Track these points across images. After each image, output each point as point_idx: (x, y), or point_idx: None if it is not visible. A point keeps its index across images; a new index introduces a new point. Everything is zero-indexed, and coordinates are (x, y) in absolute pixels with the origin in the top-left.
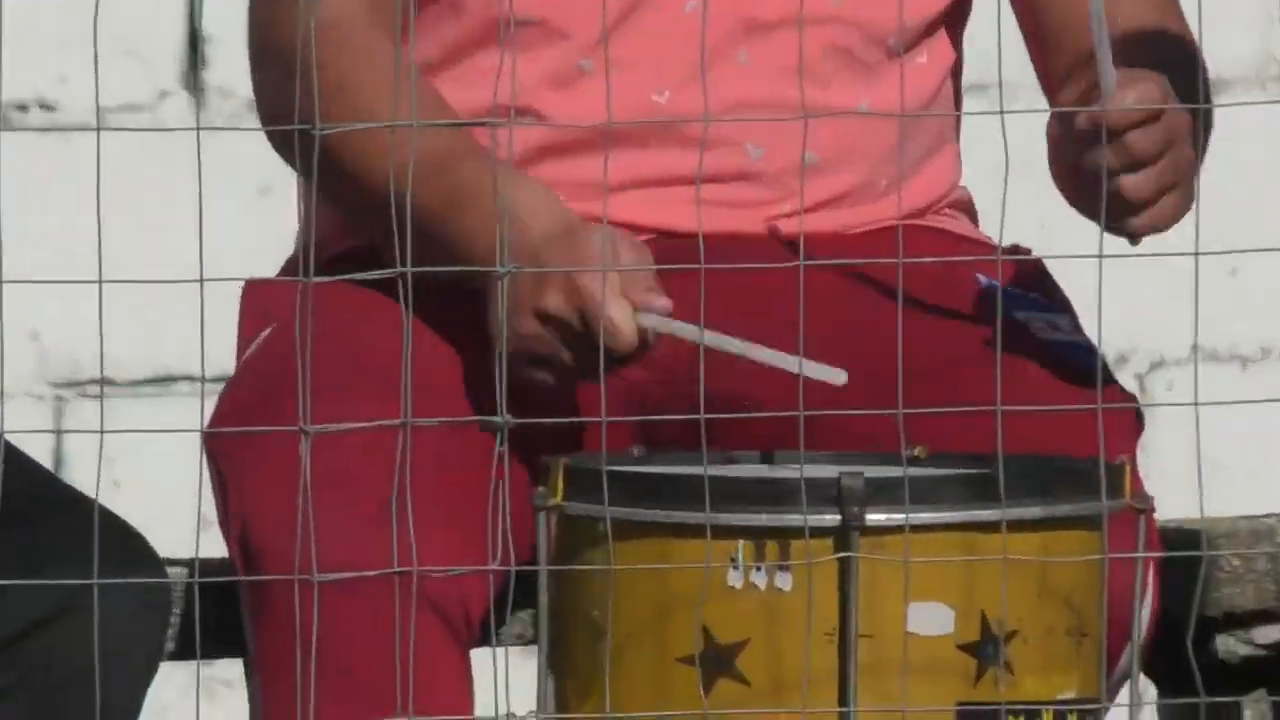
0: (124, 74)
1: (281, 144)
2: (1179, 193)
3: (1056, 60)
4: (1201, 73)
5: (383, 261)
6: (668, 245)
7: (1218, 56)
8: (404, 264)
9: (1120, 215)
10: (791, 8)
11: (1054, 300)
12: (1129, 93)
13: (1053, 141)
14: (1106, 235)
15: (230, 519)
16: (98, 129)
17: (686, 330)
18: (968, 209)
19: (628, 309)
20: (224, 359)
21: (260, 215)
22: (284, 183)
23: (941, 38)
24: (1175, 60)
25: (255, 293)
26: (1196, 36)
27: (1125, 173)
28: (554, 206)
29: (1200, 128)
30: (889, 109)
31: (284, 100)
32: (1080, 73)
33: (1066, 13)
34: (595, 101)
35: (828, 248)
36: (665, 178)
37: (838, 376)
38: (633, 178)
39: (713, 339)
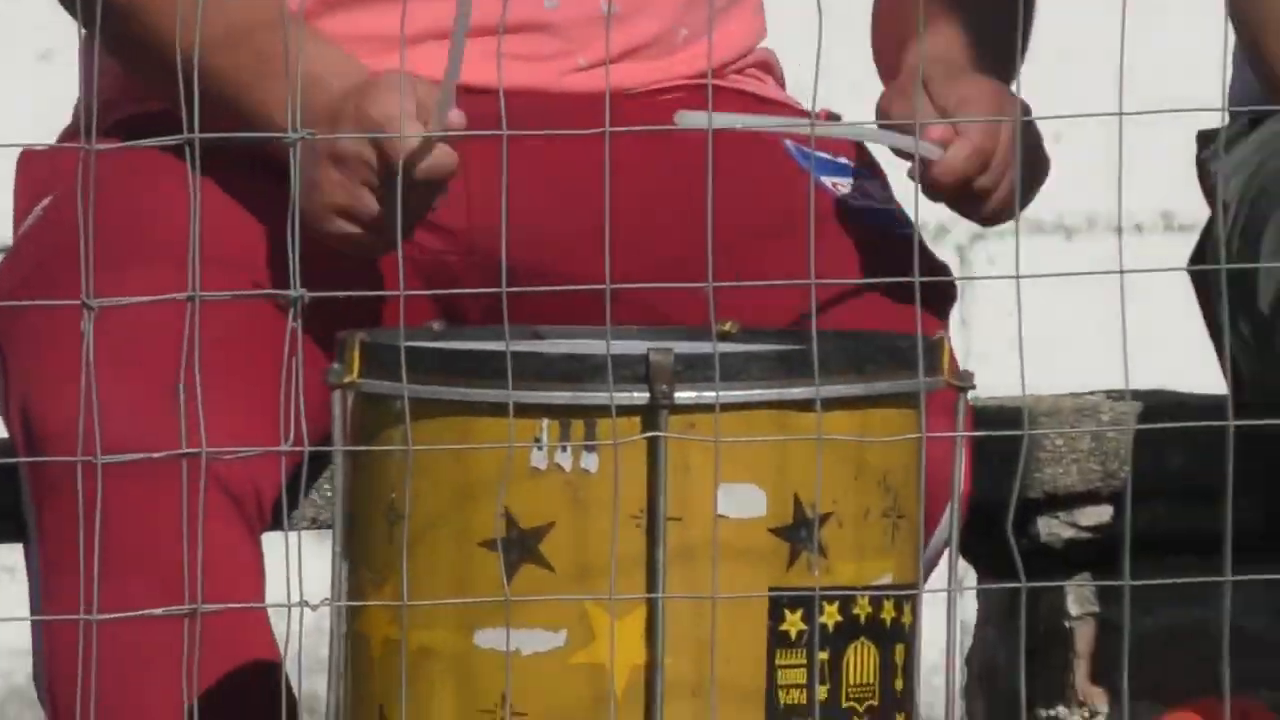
0: None
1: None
2: (1031, 182)
3: None
4: None
5: (178, 125)
6: (465, 101)
7: None
8: (191, 129)
9: (977, 216)
10: None
11: (865, 165)
12: (955, 153)
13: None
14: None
15: (10, 398)
16: None
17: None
18: (772, 70)
19: (419, 127)
20: (6, 229)
21: (40, 81)
22: (67, 47)
23: None
24: None
25: (31, 162)
26: None
27: (976, 205)
28: (350, 66)
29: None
30: None
31: None
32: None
33: None
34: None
35: (631, 107)
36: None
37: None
38: (426, 29)
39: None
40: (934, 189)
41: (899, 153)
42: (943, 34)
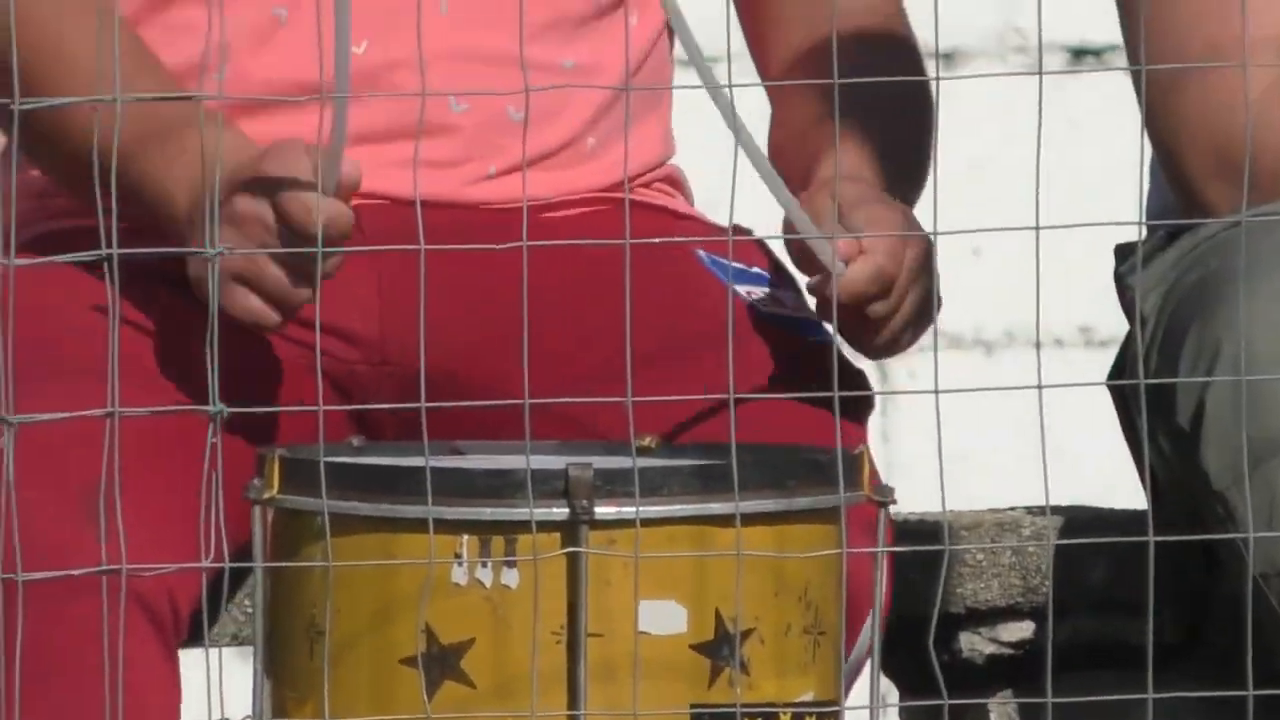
0: None
1: None
2: (922, 320)
3: (774, 36)
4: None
5: (90, 242)
6: (375, 212)
7: (958, 27)
8: (109, 245)
9: (864, 346)
10: None
11: (777, 275)
12: (857, 271)
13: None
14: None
15: None
16: None
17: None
18: (680, 186)
19: (315, 186)
20: None
21: None
22: None
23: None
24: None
25: None
26: (933, 6)
27: (866, 335)
28: (250, 146)
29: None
30: (595, 66)
31: None
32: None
33: None
34: (294, 56)
35: (544, 220)
36: (368, 135)
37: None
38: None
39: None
40: (828, 301)
41: (801, 263)
42: (850, 152)
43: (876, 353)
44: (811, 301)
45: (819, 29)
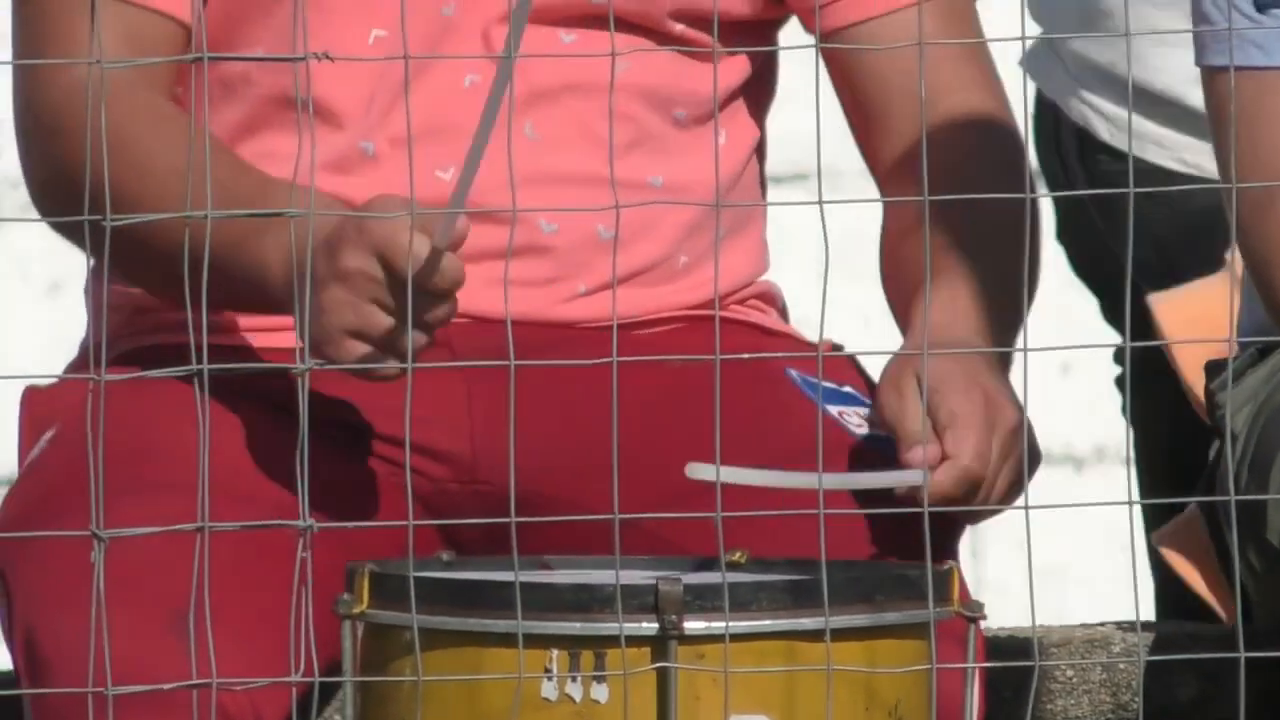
0: None
1: (64, 225)
2: (1015, 487)
3: (883, 141)
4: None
5: (178, 358)
6: (466, 330)
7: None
8: (199, 361)
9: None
10: (572, 75)
11: (868, 394)
12: (944, 482)
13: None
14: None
15: (15, 628)
16: None
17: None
18: (774, 302)
19: (425, 239)
20: (13, 461)
21: (50, 313)
22: (75, 280)
23: (741, 116)
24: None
25: (35, 398)
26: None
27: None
28: (342, 207)
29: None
30: (685, 184)
31: (60, 177)
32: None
33: (888, 94)
34: (381, 187)
35: (634, 338)
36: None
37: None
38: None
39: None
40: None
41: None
42: (949, 292)
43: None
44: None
45: (916, 133)
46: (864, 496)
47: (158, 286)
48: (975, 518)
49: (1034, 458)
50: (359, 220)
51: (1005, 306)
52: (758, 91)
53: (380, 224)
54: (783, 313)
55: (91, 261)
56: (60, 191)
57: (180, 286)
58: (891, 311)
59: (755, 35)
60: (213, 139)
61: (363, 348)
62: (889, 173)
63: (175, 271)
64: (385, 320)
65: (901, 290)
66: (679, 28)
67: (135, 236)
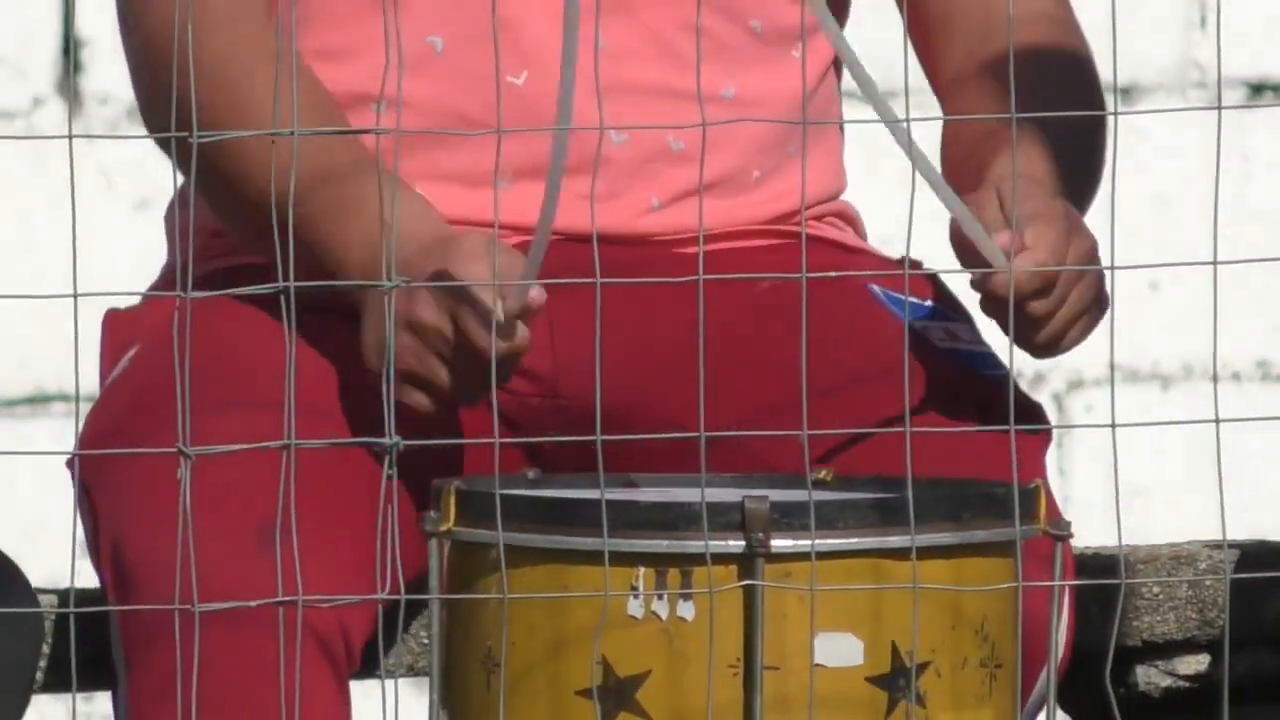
0: None
1: (163, 142)
2: (1090, 314)
3: (944, 55)
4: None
5: (258, 280)
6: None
7: (1137, 61)
8: (286, 279)
9: (1028, 343)
10: None
11: (952, 309)
12: (1021, 264)
13: (952, 239)
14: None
15: (102, 545)
16: None
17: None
18: (853, 221)
19: (498, 302)
20: (95, 379)
21: (137, 228)
22: (162, 196)
23: (817, 31)
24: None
25: (117, 318)
26: (1110, 40)
27: (1029, 330)
28: (431, 220)
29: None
30: (758, 98)
31: (160, 94)
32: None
33: (950, 5)
34: (448, 82)
35: (709, 255)
36: (536, 167)
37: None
38: (501, 169)
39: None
40: (992, 296)
41: (964, 262)
42: (1020, 155)
43: (1041, 350)
44: (992, 340)
45: (991, 40)
46: (950, 416)
47: (238, 222)
48: (1040, 340)
49: (1101, 305)
50: (440, 266)
51: (1079, 183)
52: (835, 5)
53: (462, 275)
54: (861, 232)
55: (178, 183)
56: (159, 115)
57: (263, 230)
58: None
59: None
60: (302, 69)
61: (418, 395)
62: (951, 81)
63: (257, 205)
64: (445, 377)
65: (972, 165)
66: None
67: (218, 169)
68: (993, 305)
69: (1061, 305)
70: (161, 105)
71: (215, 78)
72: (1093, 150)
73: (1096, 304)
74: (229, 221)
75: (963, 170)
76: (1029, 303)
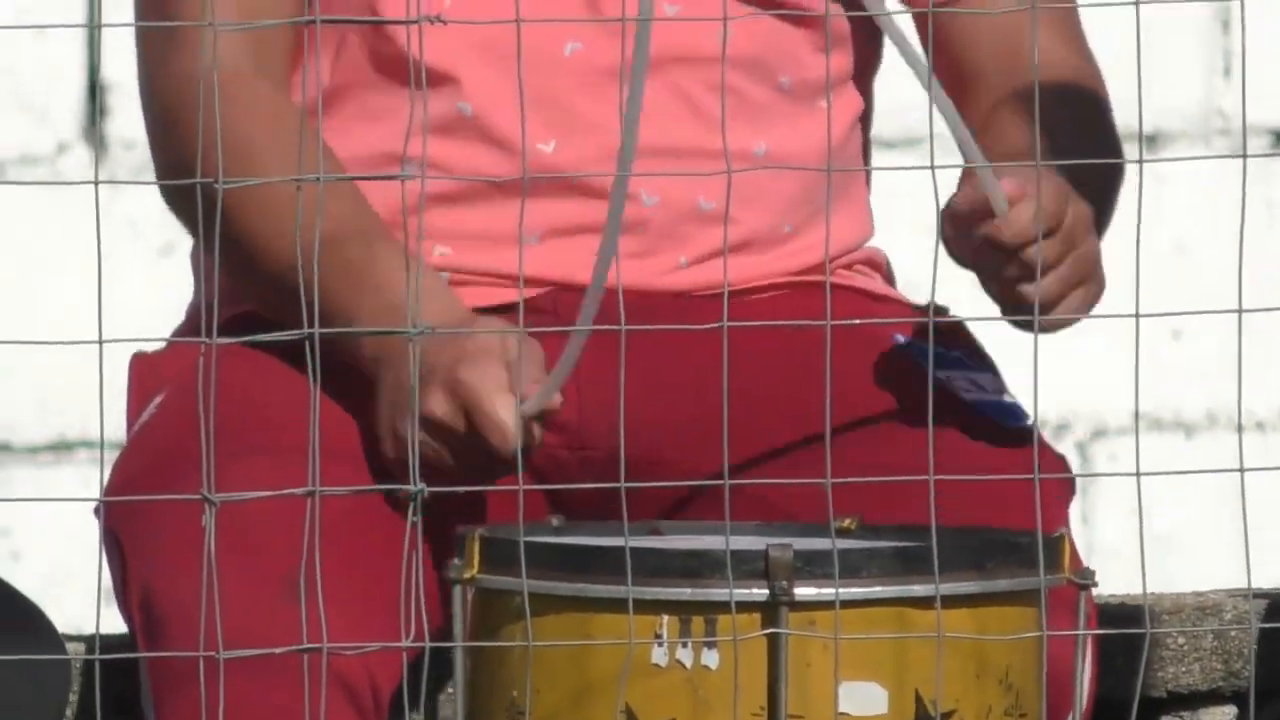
0: (22, 125)
1: (174, 199)
2: (1086, 286)
3: (973, 99)
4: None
5: (282, 324)
6: (571, 298)
7: (1161, 109)
8: (310, 325)
9: (1025, 313)
10: (675, 45)
11: (976, 358)
12: (1022, 210)
13: (947, 235)
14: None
15: (130, 591)
16: None
17: (564, 367)
18: (880, 268)
19: (513, 405)
20: (124, 425)
21: (162, 275)
22: (187, 242)
23: (846, 83)
24: (1083, 109)
25: (144, 363)
26: (1135, 88)
27: (1026, 283)
28: (446, 298)
29: (1108, 183)
30: (789, 154)
31: (176, 159)
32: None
33: (979, 54)
34: (477, 146)
35: (740, 303)
36: (561, 228)
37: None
38: (526, 229)
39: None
40: (994, 240)
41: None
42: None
43: (1046, 329)
44: (1016, 387)
45: (1016, 93)
46: (974, 465)
47: (256, 281)
48: (1041, 297)
49: (1098, 284)
50: (453, 363)
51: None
52: (862, 59)
53: (474, 378)
54: (889, 278)
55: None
56: (172, 177)
57: (273, 288)
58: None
59: (854, 4)
60: (328, 156)
61: (431, 481)
62: (980, 130)
63: (272, 270)
64: (451, 464)
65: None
66: None
67: (243, 240)
68: (992, 257)
69: (1060, 264)
70: (176, 172)
71: (231, 149)
72: (1107, 198)
73: (1094, 280)
74: (242, 279)
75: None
76: (1027, 250)
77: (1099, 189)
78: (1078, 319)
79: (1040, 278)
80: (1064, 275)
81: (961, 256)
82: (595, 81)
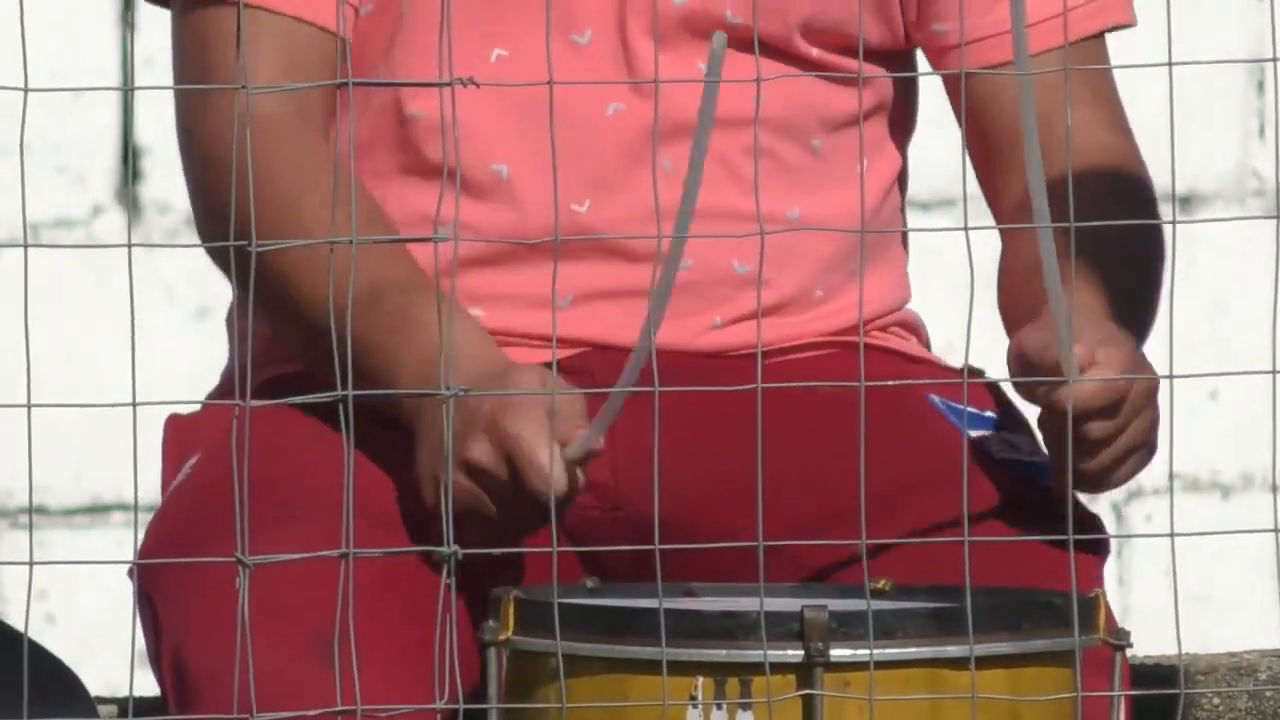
0: (57, 188)
1: (217, 255)
2: (1140, 453)
3: (1006, 181)
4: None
5: (317, 386)
6: (605, 359)
7: (1195, 170)
8: (345, 387)
9: (1079, 470)
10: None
11: (1010, 419)
12: (1086, 387)
13: (1010, 370)
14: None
15: (163, 653)
16: (24, 245)
17: (608, 413)
18: (916, 330)
19: (556, 451)
20: (158, 487)
21: (196, 338)
22: (220, 304)
23: (881, 144)
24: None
25: (179, 425)
26: (1169, 149)
27: (1080, 455)
28: (485, 349)
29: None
30: (823, 218)
31: (218, 207)
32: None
33: (1014, 132)
34: (511, 207)
35: (774, 365)
36: (596, 291)
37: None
38: (560, 292)
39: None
40: (1055, 409)
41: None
42: (1080, 290)
43: (1091, 481)
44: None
45: (1051, 169)
46: (1009, 526)
47: (296, 337)
48: (1094, 466)
49: (1150, 449)
50: (497, 414)
51: (1138, 316)
52: (897, 120)
53: (516, 426)
54: (924, 341)
55: (236, 291)
56: (215, 227)
57: (313, 343)
58: (1008, 323)
59: (893, 62)
60: (365, 197)
61: (472, 531)
62: (1012, 208)
63: (312, 325)
64: (494, 512)
65: (1029, 298)
66: (814, 52)
67: (278, 289)
68: (1052, 423)
69: (1121, 434)
70: (218, 220)
71: (271, 195)
72: (1151, 283)
73: (1147, 446)
74: (282, 334)
75: (1020, 310)
76: (1090, 423)
77: (1143, 284)
78: (1121, 483)
79: (1094, 455)
80: (1124, 446)
81: (1022, 393)
82: (635, 143)
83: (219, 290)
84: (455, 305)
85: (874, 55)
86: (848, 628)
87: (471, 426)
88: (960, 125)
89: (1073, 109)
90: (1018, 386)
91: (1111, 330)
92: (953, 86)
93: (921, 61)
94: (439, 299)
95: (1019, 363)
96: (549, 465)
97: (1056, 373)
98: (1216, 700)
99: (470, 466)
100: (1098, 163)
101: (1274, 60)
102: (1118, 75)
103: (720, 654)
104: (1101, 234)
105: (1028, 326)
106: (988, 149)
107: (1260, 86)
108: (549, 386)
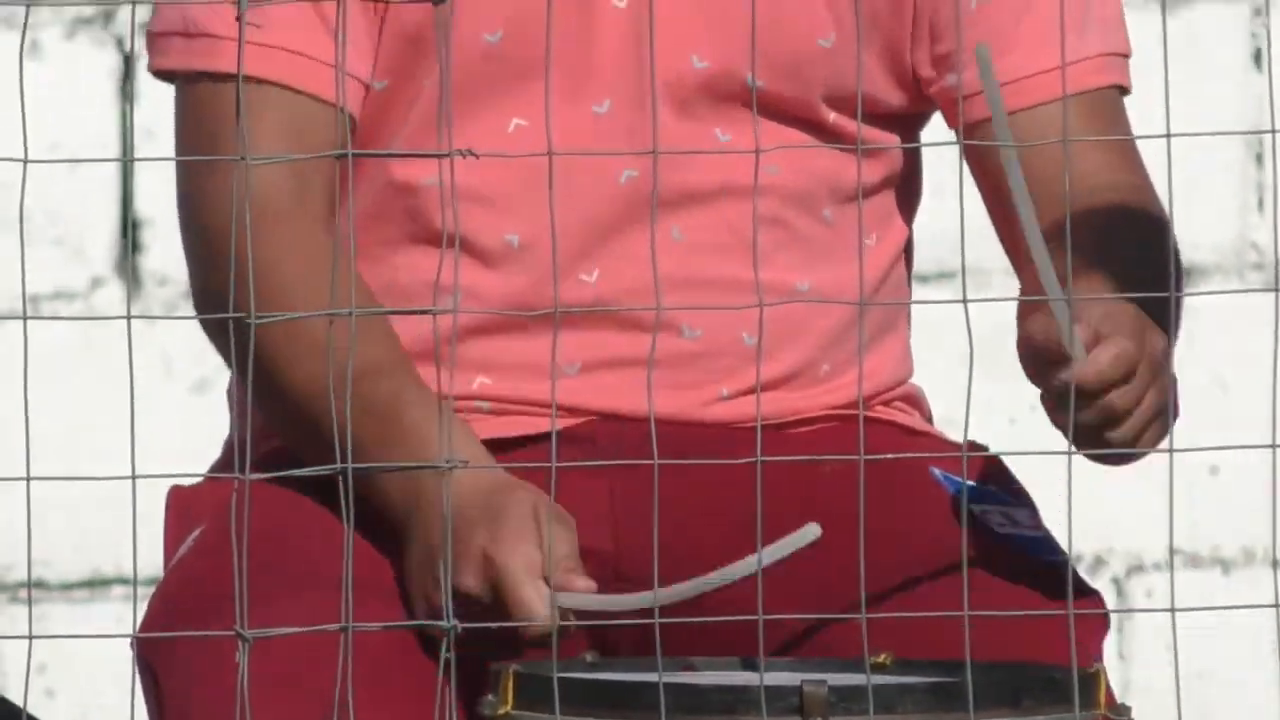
0: (56, 260)
1: (210, 328)
2: (1162, 419)
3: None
4: (1174, 251)
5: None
6: (610, 428)
7: (1194, 243)
8: (344, 460)
9: (1105, 443)
10: (726, 176)
11: (1011, 493)
12: (1102, 353)
13: (1023, 362)
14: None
15: None
16: (24, 318)
17: (620, 602)
18: (919, 404)
19: (544, 591)
20: (158, 560)
21: (195, 410)
22: (220, 377)
23: (890, 216)
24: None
25: (181, 497)
26: (1169, 222)
27: (1106, 427)
28: (480, 461)
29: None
30: (833, 290)
31: (215, 282)
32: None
33: (1029, 182)
34: (519, 276)
35: (778, 438)
36: (602, 360)
37: (809, 534)
38: (567, 360)
39: (663, 595)
40: (1078, 387)
41: (1037, 374)
42: (1080, 283)
43: (1122, 450)
44: (1051, 522)
45: (1060, 211)
46: (1009, 600)
47: (283, 418)
48: (1120, 438)
49: (1173, 411)
50: (488, 542)
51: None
52: (905, 190)
53: (506, 563)
54: (927, 415)
55: (232, 369)
56: (211, 301)
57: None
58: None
59: (905, 129)
60: (361, 288)
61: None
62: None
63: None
64: (475, 627)
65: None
66: (832, 117)
67: (273, 377)
68: (1066, 407)
69: (1140, 401)
70: (214, 297)
71: (268, 276)
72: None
73: (1170, 408)
74: (267, 414)
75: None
76: (1111, 394)
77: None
78: (1147, 452)
79: (1121, 423)
80: (1146, 413)
81: (1034, 380)
82: (647, 211)
83: (218, 363)
84: (454, 420)
85: (892, 121)
86: (848, 702)
87: (462, 555)
88: (974, 184)
89: (1087, 154)
90: (1032, 376)
91: (1112, 304)
92: (968, 144)
93: (928, 131)
94: (439, 377)
95: (1027, 348)
96: (537, 607)
97: (1063, 352)
98: None
99: (457, 590)
100: (1111, 201)
101: (1273, 132)
102: None
103: None
104: (1118, 257)
105: (1031, 315)
106: (1003, 201)
107: (1259, 158)
108: (539, 514)
